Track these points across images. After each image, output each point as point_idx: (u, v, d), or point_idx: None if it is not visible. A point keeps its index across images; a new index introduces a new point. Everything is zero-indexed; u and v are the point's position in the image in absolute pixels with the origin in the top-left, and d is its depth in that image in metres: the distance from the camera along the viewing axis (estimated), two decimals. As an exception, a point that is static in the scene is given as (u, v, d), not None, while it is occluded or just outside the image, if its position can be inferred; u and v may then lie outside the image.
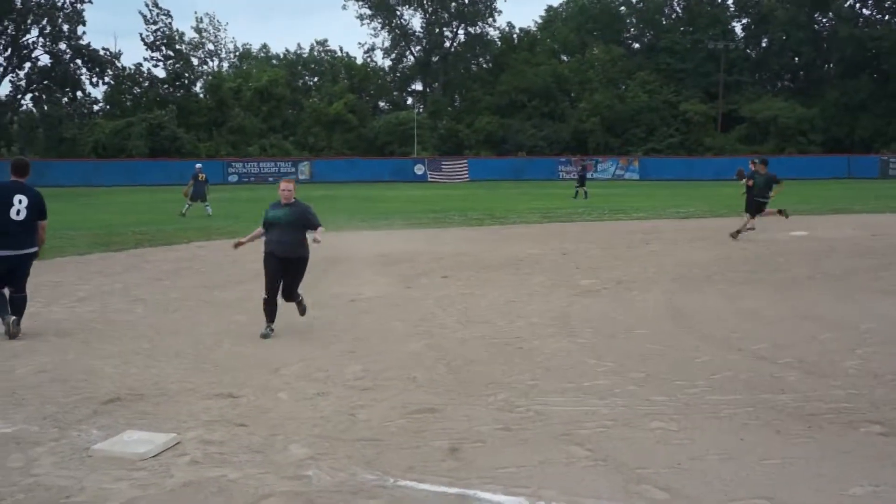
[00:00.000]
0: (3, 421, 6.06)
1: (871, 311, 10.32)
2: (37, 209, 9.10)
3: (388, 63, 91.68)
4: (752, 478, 4.87)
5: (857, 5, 78.69)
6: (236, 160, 64.70)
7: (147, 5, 73.63)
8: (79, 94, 73.47)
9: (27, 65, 71.77)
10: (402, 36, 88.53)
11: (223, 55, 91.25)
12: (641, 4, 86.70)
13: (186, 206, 27.44)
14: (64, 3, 70.86)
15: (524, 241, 19.39)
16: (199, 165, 29.48)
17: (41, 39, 71.28)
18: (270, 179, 60.63)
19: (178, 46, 76.66)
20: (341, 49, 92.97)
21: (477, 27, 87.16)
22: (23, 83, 71.89)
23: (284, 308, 9.37)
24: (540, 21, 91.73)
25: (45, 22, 70.28)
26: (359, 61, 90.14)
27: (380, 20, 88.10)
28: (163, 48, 75.17)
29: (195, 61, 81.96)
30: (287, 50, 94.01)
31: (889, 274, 13.62)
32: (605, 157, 69.80)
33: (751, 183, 20.57)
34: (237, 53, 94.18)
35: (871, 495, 4.63)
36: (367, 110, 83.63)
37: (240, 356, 7.93)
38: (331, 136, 76.77)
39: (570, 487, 4.74)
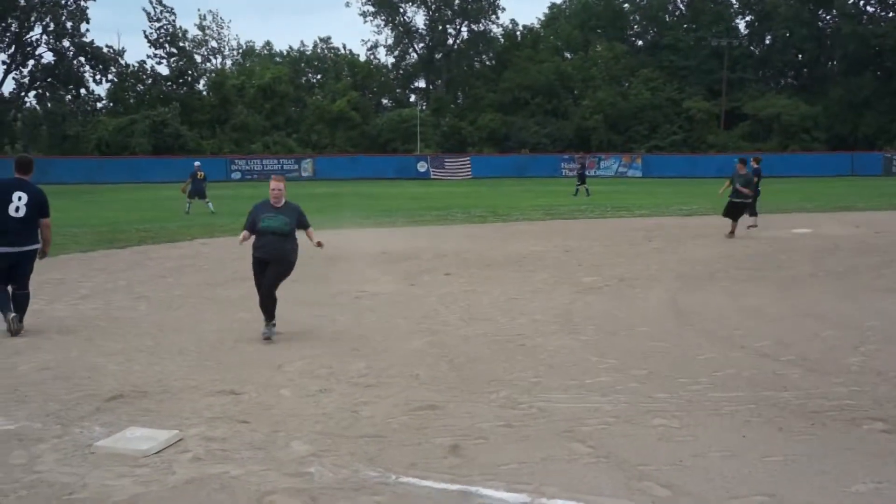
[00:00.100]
0: (6, 418, 6.07)
1: (874, 309, 10.30)
2: (37, 207, 9.09)
3: (391, 60, 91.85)
4: (755, 475, 4.87)
5: (861, 2, 78.55)
6: (239, 157, 64.74)
7: (151, 2, 73.96)
8: (82, 91, 73.59)
9: (31, 62, 71.94)
10: (405, 33, 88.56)
11: (226, 52, 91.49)
12: (645, 2, 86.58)
13: (188, 204, 27.50)
14: (67, 0, 70.92)
15: (527, 238, 19.39)
16: (197, 163, 29.46)
17: (45, 37, 71.48)
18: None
19: (181, 44, 76.72)
20: (344, 46, 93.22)
21: (480, 24, 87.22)
22: (26, 80, 72.00)
23: (284, 307, 9.38)
24: (543, 18, 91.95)
25: (48, 19, 70.42)
26: (362, 58, 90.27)
27: (383, 17, 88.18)
28: (166, 45, 75.28)
29: (198, 59, 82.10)
30: (290, 47, 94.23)
31: (892, 271, 13.61)
32: (607, 154, 69.76)
33: (755, 180, 20.58)
34: (240, 51, 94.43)
35: (873, 492, 4.62)
36: (370, 108, 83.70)
37: (243, 353, 7.94)
38: (334, 133, 76.82)
39: (572, 484, 4.74)
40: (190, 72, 77.08)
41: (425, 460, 5.15)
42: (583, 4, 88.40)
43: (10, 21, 69.06)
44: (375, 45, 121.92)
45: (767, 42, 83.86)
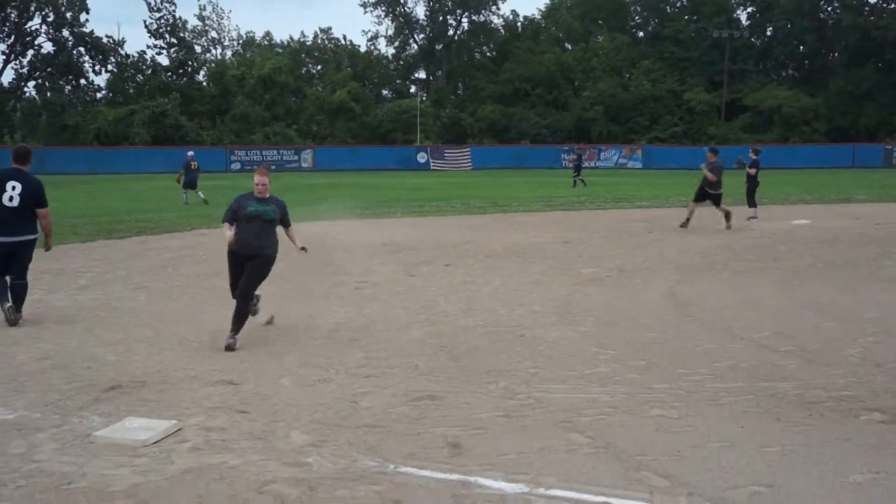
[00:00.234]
0: (5, 408, 6.08)
1: (873, 301, 10.31)
2: (32, 196, 9.03)
3: (391, 51, 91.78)
4: (753, 465, 4.88)
5: (863, -6, 78.41)
6: (239, 148, 64.65)
7: (151, -7, 73.68)
8: (82, 81, 73.47)
9: (30, 52, 71.81)
10: (405, 24, 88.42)
11: (226, 43, 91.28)
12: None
13: (184, 194, 27.54)
14: (67, -10, 70.85)
15: (527, 229, 19.38)
16: (190, 153, 29.40)
17: (44, 27, 71.32)
18: (273, 167, 60.54)
19: (181, 34, 76.60)
20: (344, 37, 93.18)
21: (481, 15, 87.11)
22: (26, 70, 71.89)
23: (281, 300, 9.38)
24: (544, 9, 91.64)
25: (48, 9, 70.24)
26: (362, 49, 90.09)
27: (383, 8, 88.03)
28: (166, 36, 75.15)
29: (198, 49, 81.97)
30: (290, 38, 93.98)
31: (892, 263, 13.61)
32: (608, 145, 69.65)
33: (753, 171, 20.57)
34: (240, 41, 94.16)
35: (871, 483, 4.63)
36: (371, 98, 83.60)
37: (242, 343, 7.94)
38: (334, 124, 76.77)
39: (570, 474, 4.75)
40: (190, 62, 76.96)
41: (424, 450, 5.16)
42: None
43: (9, 11, 68.92)
44: (376, 36, 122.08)
45: (769, 34, 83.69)
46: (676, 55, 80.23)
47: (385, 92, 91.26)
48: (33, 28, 71.12)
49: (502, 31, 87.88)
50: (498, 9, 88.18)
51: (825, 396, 6.22)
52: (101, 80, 77.47)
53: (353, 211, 24.00)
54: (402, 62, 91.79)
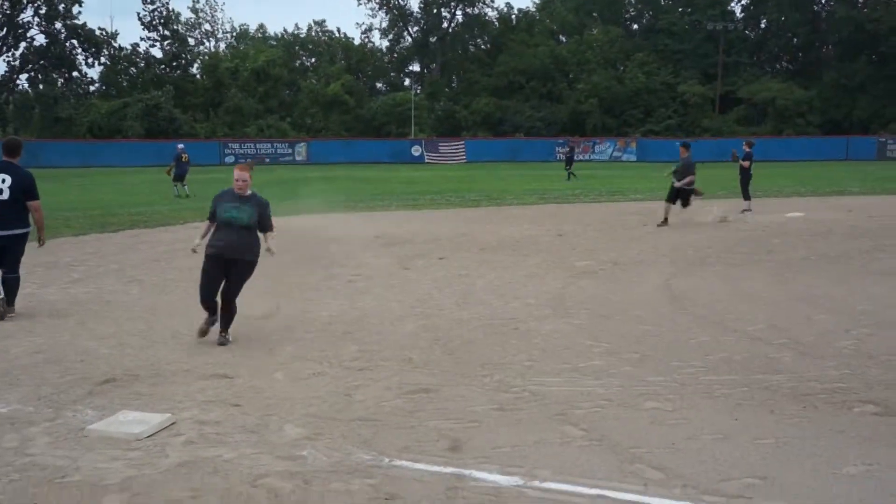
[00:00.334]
0: (-1, 401, 6.06)
1: (867, 293, 10.33)
2: (22, 189, 8.98)
3: (385, 44, 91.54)
4: (747, 457, 4.89)
5: (856, -14, 78.43)
6: (233, 141, 64.47)
7: (145, -16, 73.42)
8: (74, 74, 73.21)
9: (22, 44, 71.48)
10: (399, 16, 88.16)
11: (220, 35, 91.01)
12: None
13: (175, 188, 27.54)
14: (59, -18, 70.53)
15: (521, 222, 19.38)
16: (181, 146, 29.48)
17: (36, 19, 70.97)
18: (267, 160, 60.44)
19: (175, 27, 76.35)
20: (339, 30, 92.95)
21: (475, 8, 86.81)
22: (18, 63, 71.59)
23: (274, 294, 9.35)
24: (538, 2, 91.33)
25: (40, 1, 69.90)
26: (356, 42, 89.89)
27: (377, 0, 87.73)
28: (160, 28, 74.89)
29: (192, 42, 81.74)
30: (284, 30, 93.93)
31: (885, 255, 13.63)
32: (602, 138, 69.64)
33: (747, 164, 20.58)
34: (234, 34, 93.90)
35: (864, 474, 4.64)
36: (365, 91, 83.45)
37: (235, 337, 7.92)
38: (328, 117, 76.60)
39: (564, 467, 4.75)
40: (183, 55, 76.73)
41: (418, 443, 5.16)
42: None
43: (1, 2, 68.60)
44: (370, 29, 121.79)
45: (763, 26, 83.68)
46: (670, 48, 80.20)
47: (379, 85, 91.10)
48: (25, 20, 70.84)
49: (496, 23, 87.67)
50: (492, 1, 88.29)
51: (819, 389, 6.23)
52: (94, 72, 77.16)
53: (347, 204, 23.96)
54: (396, 55, 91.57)
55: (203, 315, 8.00)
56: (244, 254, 7.77)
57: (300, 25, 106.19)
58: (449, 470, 4.73)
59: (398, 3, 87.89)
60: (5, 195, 8.88)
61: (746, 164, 20.58)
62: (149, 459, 4.93)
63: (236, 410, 5.83)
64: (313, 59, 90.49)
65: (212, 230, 8.01)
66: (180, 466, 4.82)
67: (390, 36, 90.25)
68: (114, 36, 74.07)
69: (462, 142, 67.64)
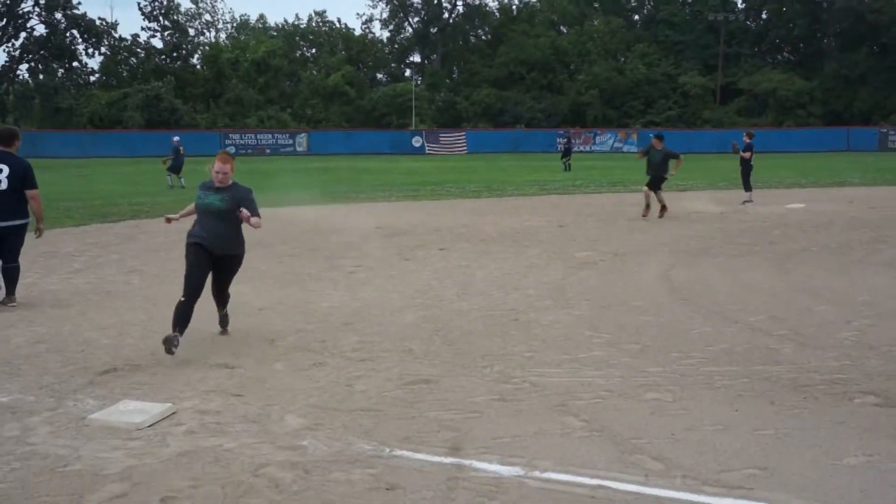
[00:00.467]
0: (0, 391, 6.07)
1: (867, 284, 10.32)
2: (20, 179, 8.95)
3: (386, 34, 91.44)
4: (747, 448, 4.89)
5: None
6: (234, 132, 64.43)
7: (144, -25, 73.22)
8: (75, 64, 73.10)
9: (22, 34, 71.39)
10: (400, 7, 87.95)
11: (220, 26, 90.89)
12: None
13: (169, 178, 27.58)
14: (59, -28, 70.35)
15: (521, 213, 19.37)
16: (176, 138, 29.56)
17: (37, 9, 70.81)
18: (268, 151, 60.48)
19: (175, 17, 76.19)
20: (339, 20, 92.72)
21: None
22: (18, 53, 71.47)
23: (275, 284, 9.34)
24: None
25: (40, -9, 69.81)
26: (357, 32, 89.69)
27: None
28: (160, 18, 74.75)
29: (192, 32, 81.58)
30: (285, 21, 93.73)
31: (885, 247, 13.63)
32: (603, 129, 69.57)
33: (748, 155, 20.54)
34: (234, 24, 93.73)
35: (864, 465, 4.64)
36: (365, 82, 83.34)
37: (236, 327, 7.92)
38: (328, 107, 76.53)
39: (565, 458, 4.75)
40: (184, 45, 76.60)
41: (419, 434, 5.16)
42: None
43: (1, -8, 68.54)
44: (370, 19, 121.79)
45: (764, 17, 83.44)
46: (671, 38, 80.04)
47: (380, 75, 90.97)
48: (25, 10, 70.72)
49: (497, 14, 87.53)
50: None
51: (819, 379, 6.23)
52: (94, 62, 77.20)
53: (347, 195, 23.94)
54: (396, 45, 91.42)
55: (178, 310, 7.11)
56: (232, 248, 7.40)
57: (301, 16, 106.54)
58: (449, 460, 4.73)
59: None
60: (3, 185, 8.85)
61: (747, 155, 20.57)
62: (149, 449, 4.93)
63: (237, 400, 5.83)
64: (314, 50, 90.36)
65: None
66: (181, 456, 4.82)
67: (391, 26, 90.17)
68: (114, 26, 74.06)
69: (463, 133, 67.62)
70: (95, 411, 5.55)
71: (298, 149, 62.79)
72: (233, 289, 7.74)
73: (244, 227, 7.39)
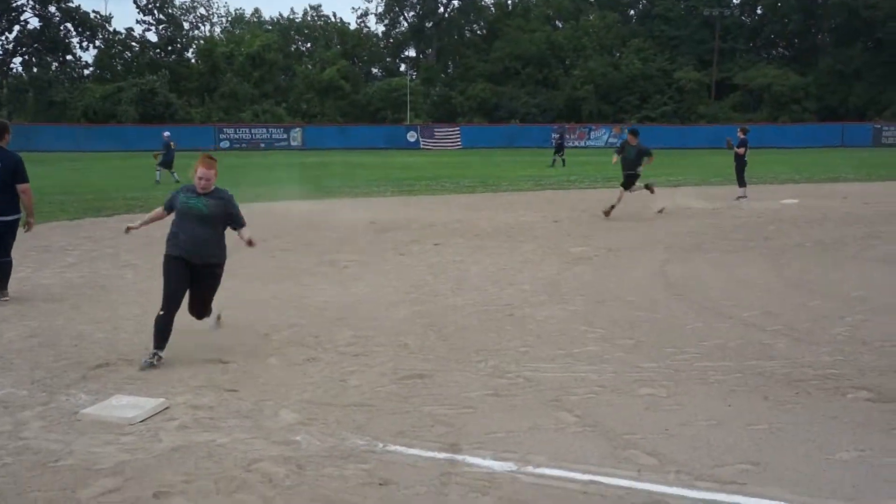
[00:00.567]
0: (-8, 385, 6.05)
1: (861, 279, 10.35)
2: (11, 172, 8.86)
3: (381, 29, 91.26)
4: (740, 443, 4.90)
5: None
6: (228, 126, 64.28)
7: (139, -32, 72.99)
8: (69, 57, 72.85)
9: (16, 28, 71.11)
10: (395, 1, 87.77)
11: (215, 20, 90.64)
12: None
13: (158, 174, 27.56)
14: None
15: (516, 208, 19.37)
16: (167, 133, 29.58)
17: (30, 2, 70.55)
18: (262, 146, 60.36)
19: (169, 10, 75.99)
20: (334, 14, 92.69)
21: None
22: (11, 46, 71.21)
23: (269, 279, 9.32)
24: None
25: (34, -16, 69.54)
26: (352, 27, 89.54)
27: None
28: (155, 12, 74.53)
29: (187, 26, 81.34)
30: (280, 14, 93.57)
31: (879, 242, 13.65)
32: (598, 124, 69.53)
33: (742, 151, 20.56)
34: (229, 18, 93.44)
35: (857, 460, 4.65)
36: (360, 77, 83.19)
37: (230, 322, 7.91)
38: (323, 102, 76.38)
39: (558, 453, 4.75)
40: (179, 39, 76.39)
41: (413, 429, 5.16)
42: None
43: (-6, -15, 68.25)
44: (366, 13, 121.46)
45: (759, 12, 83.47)
46: (667, 34, 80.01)
47: (375, 70, 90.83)
48: (19, 3, 70.40)
49: (493, 8, 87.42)
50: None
51: (812, 375, 6.24)
52: (88, 56, 77.13)
53: (342, 189, 23.91)
54: (391, 40, 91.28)
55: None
56: (210, 256, 6.94)
57: (296, 10, 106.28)
58: (443, 455, 4.73)
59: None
60: None
61: (741, 150, 20.57)
62: (142, 444, 4.93)
63: (230, 395, 5.82)
64: (309, 44, 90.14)
65: (163, 219, 7.24)
66: (174, 451, 4.81)
67: (386, 21, 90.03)
68: (108, 19, 73.74)
69: (458, 128, 67.52)
70: (88, 406, 5.54)
71: (293, 143, 62.65)
72: (223, 283, 7.57)
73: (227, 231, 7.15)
